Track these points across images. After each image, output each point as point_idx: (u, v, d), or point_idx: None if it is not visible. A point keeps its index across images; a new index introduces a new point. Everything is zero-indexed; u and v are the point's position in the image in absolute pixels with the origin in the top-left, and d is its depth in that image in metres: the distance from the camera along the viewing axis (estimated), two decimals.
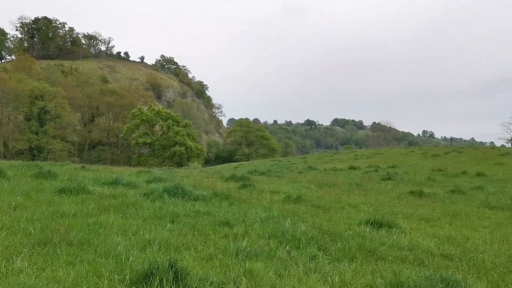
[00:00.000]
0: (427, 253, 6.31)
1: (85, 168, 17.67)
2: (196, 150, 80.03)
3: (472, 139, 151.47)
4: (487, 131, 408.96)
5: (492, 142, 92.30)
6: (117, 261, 5.05)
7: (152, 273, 4.39)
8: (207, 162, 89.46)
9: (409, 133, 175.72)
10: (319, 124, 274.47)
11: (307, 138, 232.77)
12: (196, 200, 9.81)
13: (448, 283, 4.66)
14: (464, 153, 37.44)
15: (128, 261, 5.01)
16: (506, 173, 21.07)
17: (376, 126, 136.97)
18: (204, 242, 6.28)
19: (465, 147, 53.16)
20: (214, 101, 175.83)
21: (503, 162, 27.82)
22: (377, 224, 7.95)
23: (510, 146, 62.43)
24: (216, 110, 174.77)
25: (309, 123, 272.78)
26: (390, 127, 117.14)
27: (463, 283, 4.71)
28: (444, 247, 6.71)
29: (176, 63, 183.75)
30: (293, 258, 5.64)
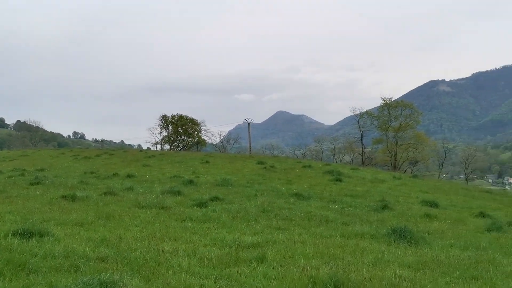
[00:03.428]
0: (83, 258, 6.22)
1: None
2: None
3: (122, 141, 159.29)
4: (135, 134, 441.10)
5: (139, 145, 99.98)
6: None
7: None
8: None
9: (59, 134, 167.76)
10: None
11: None
12: None
13: (107, 285, 4.74)
14: (115, 155, 38.76)
15: None
16: (152, 174, 23.29)
17: (21, 125, 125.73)
18: None
19: (116, 149, 55.40)
20: None
21: (150, 164, 30.48)
22: (28, 234, 7.29)
23: (155, 149, 69.55)
24: None
25: None
26: (37, 127, 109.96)
27: (120, 283, 4.89)
28: (99, 250, 6.79)
29: None
30: None
